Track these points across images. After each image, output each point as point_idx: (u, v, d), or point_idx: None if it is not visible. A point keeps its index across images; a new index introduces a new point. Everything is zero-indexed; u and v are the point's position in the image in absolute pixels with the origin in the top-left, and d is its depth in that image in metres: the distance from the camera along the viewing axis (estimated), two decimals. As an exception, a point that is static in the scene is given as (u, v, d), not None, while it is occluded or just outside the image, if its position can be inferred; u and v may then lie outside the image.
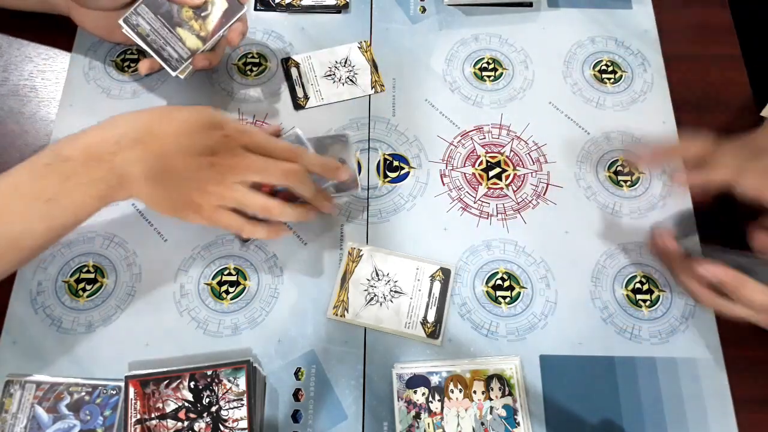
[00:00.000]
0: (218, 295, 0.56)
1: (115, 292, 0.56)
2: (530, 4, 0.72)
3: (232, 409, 0.49)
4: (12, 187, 0.47)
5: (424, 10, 0.71)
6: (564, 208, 0.61)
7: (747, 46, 0.69)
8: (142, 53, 0.67)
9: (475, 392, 0.52)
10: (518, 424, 0.51)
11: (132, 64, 0.67)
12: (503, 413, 0.52)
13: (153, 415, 0.49)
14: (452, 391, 0.52)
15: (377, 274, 0.57)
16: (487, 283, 0.57)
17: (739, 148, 0.53)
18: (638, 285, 0.58)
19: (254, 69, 0.67)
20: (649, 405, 0.53)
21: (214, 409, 0.49)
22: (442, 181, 0.62)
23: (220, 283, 0.57)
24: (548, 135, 0.64)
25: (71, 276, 0.57)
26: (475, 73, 0.68)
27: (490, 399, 0.52)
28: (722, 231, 0.58)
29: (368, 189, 0.61)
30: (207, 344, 0.54)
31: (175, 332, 0.55)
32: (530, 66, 0.68)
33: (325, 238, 0.59)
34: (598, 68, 0.68)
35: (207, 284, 0.57)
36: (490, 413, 0.52)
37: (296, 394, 0.53)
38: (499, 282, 0.57)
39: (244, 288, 0.57)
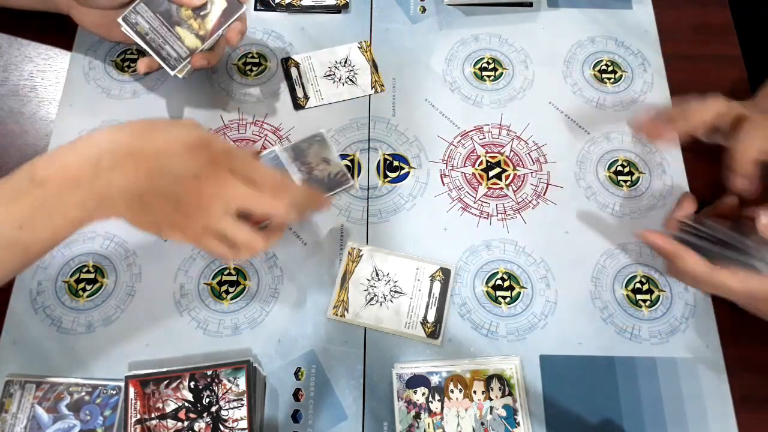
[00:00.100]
0: (218, 295, 0.56)
1: (115, 292, 0.56)
2: (530, 4, 0.72)
3: (232, 409, 0.49)
4: None
5: (424, 10, 0.71)
6: (564, 208, 0.61)
7: (747, 46, 0.69)
8: (142, 53, 0.67)
9: (475, 392, 0.52)
10: (518, 424, 0.51)
11: (132, 64, 0.67)
12: (503, 413, 0.52)
13: (153, 415, 0.49)
14: (452, 391, 0.52)
15: (377, 274, 0.57)
16: (487, 283, 0.57)
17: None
18: (638, 285, 0.58)
19: (254, 69, 0.67)
20: (649, 405, 0.53)
21: (214, 409, 0.49)
22: (442, 181, 0.62)
23: (220, 283, 0.57)
24: (548, 135, 0.64)
25: (71, 276, 0.57)
26: (475, 73, 0.68)
27: (490, 399, 0.52)
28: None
29: (368, 189, 0.61)
30: (207, 344, 0.54)
31: (175, 332, 0.55)
32: (530, 66, 0.68)
33: (325, 238, 0.59)
34: (598, 68, 0.68)
35: (207, 284, 0.57)
36: (490, 413, 0.52)
37: (296, 394, 0.53)
38: (499, 282, 0.58)
39: (244, 288, 0.57)
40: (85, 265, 0.57)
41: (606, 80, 0.68)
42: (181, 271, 0.57)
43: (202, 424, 0.49)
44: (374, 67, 0.67)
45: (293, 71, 0.67)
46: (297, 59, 0.68)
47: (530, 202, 0.61)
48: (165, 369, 0.50)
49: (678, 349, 0.55)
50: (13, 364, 0.53)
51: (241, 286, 0.57)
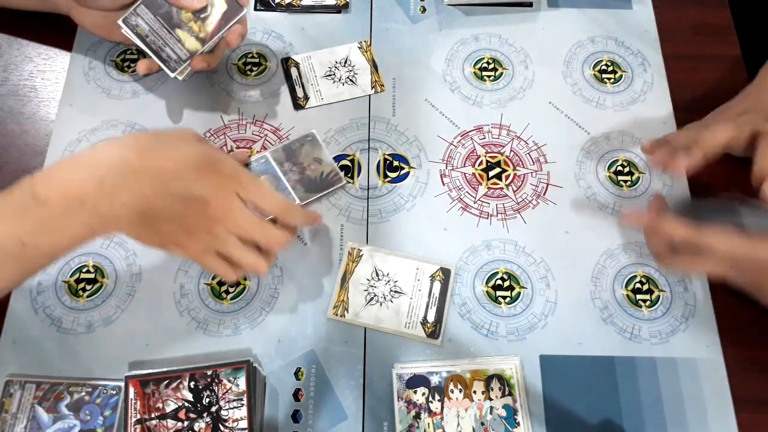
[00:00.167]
0: (218, 295, 0.56)
1: (115, 292, 0.56)
2: (530, 4, 0.72)
3: (232, 409, 0.49)
4: None
5: (424, 10, 0.71)
6: (564, 208, 0.61)
7: (747, 46, 0.69)
8: (142, 54, 0.67)
9: (475, 392, 0.52)
10: (518, 424, 0.51)
11: (132, 64, 0.67)
12: (503, 413, 0.52)
13: (153, 415, 0.49)
14: (452, 391, 0.52)
15: (377, 274, 0.57)
16: (487, 283, 0.57)
17: (724, 113, 0.56)
18: (638, 285, 0.58)
19: (254, 69, 0.67)
20: (649, 405, 0.53)
21: (214, 409, 0.49)
22: (442, 181, 0.62)
23: (220, 283, 0.57)
24: (548, 135, 0.64)
25: (71, 276, 0.57)
26: (475, 73, 0.68)
27: (490, 399, 0.52)
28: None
29: (368, 189, 0.61)
30: (207, 344, 0.54)
31: (175, 332, 0.55)
32: (530, 66, 0.68)
33: (325, 238, 0.59)
34: (598, 68, 0.68)
35: (207, 284, 0.57)
36: (490, 413, 0.52)
37: (296, 394, 0.53)
38: (499, 282, 0.57)
39: (244, 288, 0.57)
40: (85, 265, 0.57)
41: (606, 80, 0.68)
42: (181, 271, 0.57)
43: (202, 424, 0.49)
44: (374, 67, 0.67)
45: (293, 71, 0.67)
46: (297, 59, 0.68)
47: (530, 202, 0.61)
48: (165, 369, 0.50)
49: (678, 349, 0.55)
50: (13, 364, 0.53)
51: (241, 286, 0.57)
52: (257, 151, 0.62)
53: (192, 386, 0.50)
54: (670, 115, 0.65)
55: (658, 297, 0.57)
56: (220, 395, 0.50)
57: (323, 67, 0.67)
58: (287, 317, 0.56)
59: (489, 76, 0.68)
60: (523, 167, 0.63)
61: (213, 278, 0.57)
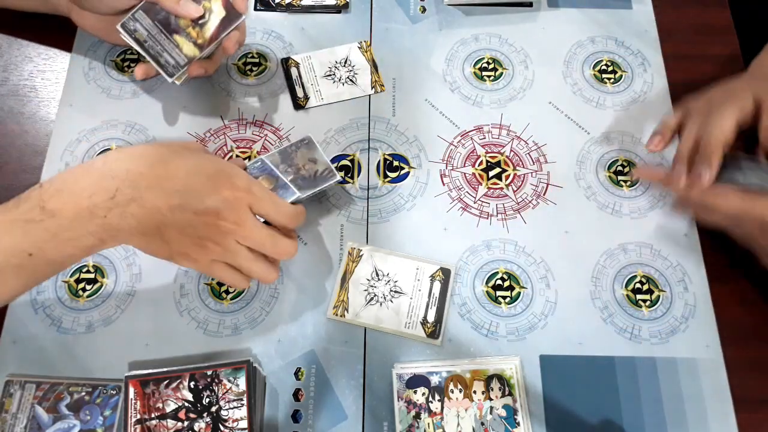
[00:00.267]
0: (218, 295, 0.56)
1: (115, 292, 0.56)
2: (530, 4, 0.72)
3: (232, 409, 0.49)
4: None
5: (424, 10, 0.71)
6: (564, 208, 0.61)
7: (747, 46, 0.69)
8: (140, 58, 0.67)
9: (475, 392, 0.52)
10: (518, 424, 0.51)
11: (132, 65, 0.67)
12: (503, 413, 0.52)
13: (153, 415, 0.49)
14: (452, 391, 0.52)
15: (377, 274, 0.57)
16: (487, 283, 0.57)
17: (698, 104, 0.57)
18: (638, 285, 0.58)
19: (254, 69, 0.67)
20: (649, 405, 0.53)
21: (214, 409, 0.49)
22: (442, 181, 0.62)
23: (220, 283, 0.57)
24: (548, 135, 0.64)
25: (71, 276, 0.57)
26: (475, 73, 0.68)
27: (490, 399, 0.52)
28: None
29: (368, 189, 0.61)
30: (207, 344, 0.54)
31: (175, 332, 0.55)
32: (530, 66, 0.68)
33: (325, 238, 0.59)
34: (598, 68, 0.68)
35: (207, 284, 0.57)
36: (490, 413, 0.52)
37: (296, 394, 0.53)
38: (499, 282, 0.57)
39: (245, 288, 0.57)
40: (85, 265, 0.57)
41: (606, 80, 0.68)
42: (181, 271, 0.57)
43: (202, 424, 0.49)
44: (374, 67, 0.67)
45: (293, 71, 0.67)
46: (297, 59, 0.68)
47: (530, 202, 0.61)
48: (165, 369, 0.50)
49: (678, 349, 0.55)
50: (13, 364, 0.53)
51: (241, 286, 0.57)
52: (257, 152, 0.62)
53: (192, 386, 0.50)
54: (670, 115, 0.65)
55: (658, 297, 0.57)
56: (220, 395, 0.50)
57: (323, 67, 0.67)
58: (287, 317, 0.56)
59: (489, 76, 0.68)
60: (523, 167, 0.63)
61: (213, 278, 0.57)
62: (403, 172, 0.62)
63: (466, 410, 0.52)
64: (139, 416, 0.49)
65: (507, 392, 0.52)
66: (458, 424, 0.51)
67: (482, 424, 0.51)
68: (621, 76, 0.68)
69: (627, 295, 0.57)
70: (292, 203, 0.53)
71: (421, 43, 0.69)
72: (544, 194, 0.62)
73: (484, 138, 0.64)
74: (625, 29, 0.71)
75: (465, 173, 0.63)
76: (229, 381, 0.50)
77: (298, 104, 0.65)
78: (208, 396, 0.50)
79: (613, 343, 0.55)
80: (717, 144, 0.52)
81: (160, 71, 0.58)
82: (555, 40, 0.70)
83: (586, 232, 0.60)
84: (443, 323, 0.55)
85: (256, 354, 0.54)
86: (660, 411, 0.53)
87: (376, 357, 0.54)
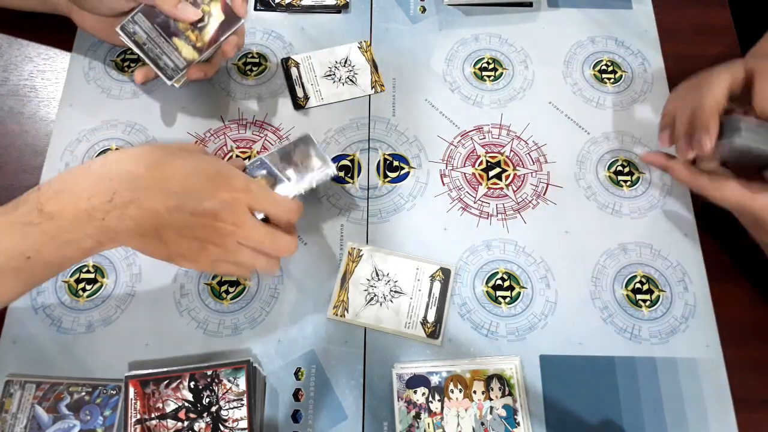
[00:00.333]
0: (218, 295, 0.56)
1: (115, 292, 0.56)
2: (530, 4, 0.72)
3: (232, 409, 0.49)
4: None
5: (424, 10, 0.71)
6: (564, 208, 0.61)
7: (747, 46, 0.69)
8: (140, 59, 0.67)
9: (475, 392, 0.52)
10: (518, 424, 0.51)
11: (132, 65, 0.67)
12: (503, 413, 0.52)
13: (153, 415, 0.49)
14: (452, 391, 0.52)
15: (377, 274, 0.57)
16: (487, 283, 0.57)
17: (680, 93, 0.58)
18: (638, 285, 0.58)
19: (254, 69, 0.67)
20: (649, 405, 0.53)
21: (214, 409, 0.49)
22: (442, 181, 0.62)
23: (220, 283, 0.57)
24: (548, 135, 0.64)
25: (71, 276, 0.57)
26: (475, 73, 0.68)
27: (490, 399, 0.52)
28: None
29: (368, 189, 0.61)
30: (207, 344, 0.54)
31: (175, 332, 0.55)
32: (530, 66, 0.68)
33: (325, 238, 0.59)
34: (598, 68, 0.68)
35: (207, 284, 0.57)
36: (490, 413, 0.52)
37: (296, 394, 0.53)
38: (499, 282, 0.57)
39: (244, 288, 0.57)
40: (85, 266, 0.57)
41: (606, 80, 0.68)
42: (181, 271, 0.57)
43: (202, 424, 0.49)
44: (374, 67, 0.67)
45: (293, 71, 0.67)
46: (297, 59, 0.68)
47: (530, 202, 0.61)
48: (165, 369, 0.50)
49: (678, 349, 0.55)
50: (13, 364, 0.53)
51: (241, 286, 0.57)
52: (257, 152, 0.62)
53: (192, 386, 0.50)
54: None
55: (658, 297, 0.57)
56: (220, 395, 0.50)
57: (323, 67, 0.67)
58: (287, 317, 0.56)
59: (489, 76, 0.68)
60: (523, 167, 0.63)
61: (213, 278, 0.57)
62: (403, 172, 0.62)
63: (466, 410, 0.52)
64: (139, 416, 0.49)
65: (507, 392, 0.52)
66: (458, 424, 0.51)
67: (482, 424, 0.51)
68: (621, 76, 0.68)
69: (627, 295, 0.57)
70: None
71: (421, 43, 0.69)
72: (544, 194, 0.62)
73: (484, 138, 0.64)
74: (625, 29, 0.71)
75: (465, 173, 0.63)
76: (229, 381, 0.50)
77: (298, 104, 0.65)
78: (208, 396, 0.50)
79: (613, 343, 0.55)
80: (711, 111, 0.52)
81: (159, 74, 0.58)
82: (555, 40, 0.70)
83: (586, 232, 0.60)
84: (443, 323, 0.55)
85: (256, 354, 0.54)
86: (660, 411, 0.53)
87: (376, 357, 0.54)
